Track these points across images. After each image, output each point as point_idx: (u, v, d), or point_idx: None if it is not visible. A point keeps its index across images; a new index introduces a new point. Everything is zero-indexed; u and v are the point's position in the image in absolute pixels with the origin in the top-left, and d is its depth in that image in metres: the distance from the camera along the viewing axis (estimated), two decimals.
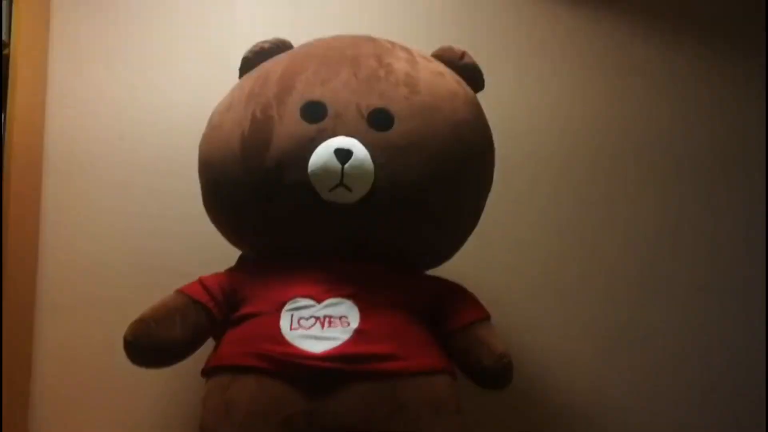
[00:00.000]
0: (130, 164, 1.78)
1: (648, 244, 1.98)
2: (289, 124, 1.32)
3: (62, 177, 1.75)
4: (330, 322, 1.25)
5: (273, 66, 1.42)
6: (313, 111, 1.33)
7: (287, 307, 1.27)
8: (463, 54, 1.50)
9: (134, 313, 1.29)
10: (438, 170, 1.34)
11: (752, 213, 2.04)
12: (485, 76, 1.52)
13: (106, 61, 1.80)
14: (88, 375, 1.71)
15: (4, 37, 1.55)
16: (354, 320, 1.26)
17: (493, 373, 1.31)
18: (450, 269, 1.51)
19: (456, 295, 1.43)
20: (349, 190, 1.29)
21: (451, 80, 1.43)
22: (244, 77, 1.47)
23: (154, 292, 1.38)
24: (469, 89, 1.46)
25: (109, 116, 1.79)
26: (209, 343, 1.37)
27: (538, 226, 1.93)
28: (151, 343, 1.27)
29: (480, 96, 1.50)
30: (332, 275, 1.31)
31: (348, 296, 1.28)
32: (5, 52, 1.55)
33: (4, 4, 1.55)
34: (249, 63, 1.49)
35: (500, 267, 1.89)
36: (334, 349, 1.21)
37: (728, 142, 2.06)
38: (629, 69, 2.03)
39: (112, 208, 1.76)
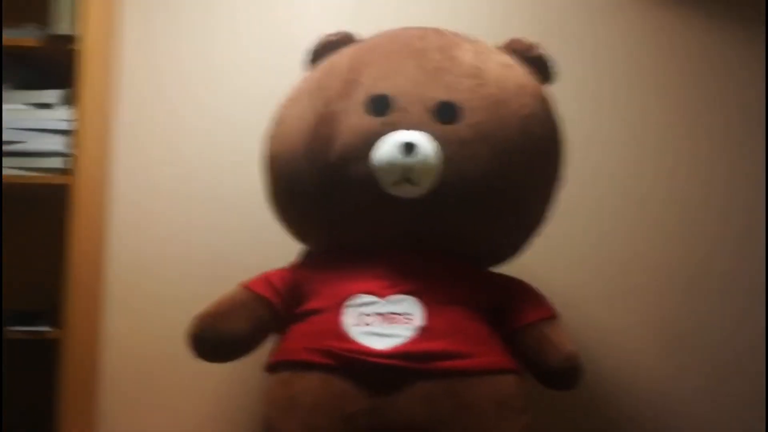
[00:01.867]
0: (197, 158, 1.79)
1: (727, 247, 1.91)
2: (354, 117, 1.31)
3: (130, 172, 1.77)
4: (393, 319, 1.23)
5: (338, 59, 1.41)
6: (378, 104, 1.31)
7: (350, 303, 1.26)
8: (533, 46, 1.47)
9: (198, 308, 1.30)
10: (505, 164, 1.32)
11: None
12: (557, 69, 1.49)
13: (175, 54, 1.81)
14: (153, 369, 1.73)
15: (73, 32, 1.56)
16: (417, 317, 1.24)
17: (559, 374, 1.29)
18: (517, 268, 1.48)
19: (522, 292, 1.40)
20: (414, 184, 1.27)
21: (519, 73, 1.40)
22: (310, 70, 1.46)
23: (219, 287, 1.38)
24: (537, 82, 1.43)
25: (177, 109, 1.80)
26: (271, 339, 1.37)
27: (610, 226, 1.88)
28: (215, 338, 1.28)
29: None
30: (395, 271, 1.30)
31: (411, 292, 1.27)
32: (74, 46, 1.57)
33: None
34: (315, 56, 1.48)
35: (570, 267, 1.85)
36: (398, 346, 1.20)
37: None
38: (707, 69, 1.96)
39: (178, 203, 1.78)
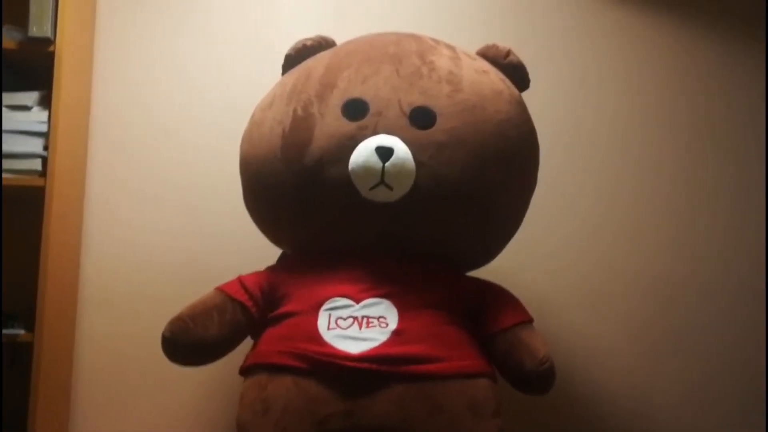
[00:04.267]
0: (173, 160, 1.79)
1: (697, 250, 1.93)
2: (331, 121, 1.31)
3: (106, 173, 1.77)
4: (368, 323, 1.23)
5: (315, 63, 1.41)
6: (355, 109, 1.32)
7: (325, 306, 1.26)
8: (509, 52, 1.48)
9: (174, 310, 1.30)
10: (480, 169, 1.32)
11: None
12: (531, 76, 1.50)
13: (151, 57, 1.82)
14: (127, 371, 1.72)
15: (50, 35, 1.56)
16: (392, 321, 1.24)
17: (534, 378, 1.28)
18: (492, 272, 1.49)
19: (498, 296, 1.40)
20: (390, 188, 1.27)
21: (495, 79, 1.41)
22: (287, 74, 1.47)
23: (194, 290, 1.38)
24: (513, 88, 1.44)
25: (153, 112, 1.80)
26: (247, 342, 1.37)
27: (586, 232, 1.89)
28: (188, 341, 1.28)
29: (525, 95, 1.48)
30: (371, 274, 1.30)
31: (386, 296, 1.27)
32: (51, 48, 1.56)
33: (51, 1, 1.56)
34: (292, 60, 1.48)
35: (545, 271, 1.87)
36: (372, 350, 1.20)
37: None
38: (684, 73, 1.98)
39: (154, 205, 1.78)
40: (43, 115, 1.58)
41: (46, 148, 1.56)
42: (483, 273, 1.47)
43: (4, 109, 1.58)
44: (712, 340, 1.91)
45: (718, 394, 1.89)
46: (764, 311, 1.93)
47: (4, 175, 1.55)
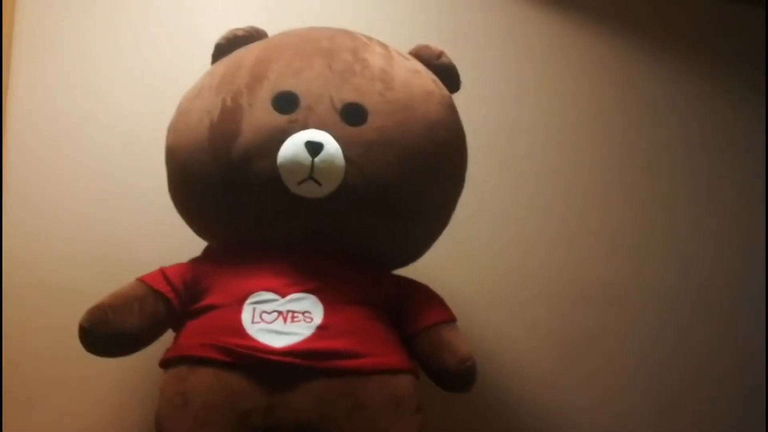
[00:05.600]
0: (94, 150, 1.74)
1: (616, 252, 1.99)
2: (260, 114, 1.30)
3: (25, 161, 1.71)
4: (293, 318, 1.23)
5: (246, 54, 1.40)
6: (285, 101, 1.30)
7: (250, 300, 1.25)
8: (441, 54, 1.49)
9: (93, 301, 1.26)
10: (409, 169, 1.33)
11: (742, 217, 2.10)
12: (463, 77, 1.52)
13: (73, 41, 1.77)
14: (42, 364, 1.67)
15: None
16: (317, 316, 1.24)
17: (457, 376, 1.29)
18: (417, 271, 1.50)
19: (421, 295, 1.41)
20: (319, 184, 1.27)
21: (427, 79, 1.42)
22: (216, 64, 1.44)
23: (115, 281, 1.34)
24: (444, 89, 1.45)
25: (74, 100, 1.75)
26: (169, 335, 1.34)
27: (507, 231, 1.93)
28: (107, 331, 1.24)
29: (457, 97, 1.49)
30: (297, 269, 1.29)
31: (312, 291, 1.26)
32: None
33: None
34: (222, 50, 1.46)
35: (467, 271, 1.89)
36: (296, 344, 1.19)
37: (725, 147, 2.11)
38: (617, 76, 2.05)
39: (74, 195, 1.72)
40: None
41: None
42: (407, 272, 1.47)
43: None
44: (627, 346, 1.97)
45: (630, 397, 1.95)
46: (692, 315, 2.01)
47: None
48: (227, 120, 1.30)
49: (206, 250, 1.47)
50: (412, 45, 1.50)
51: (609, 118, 2.04)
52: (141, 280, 1.33)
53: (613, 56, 2.06)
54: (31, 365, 1.66)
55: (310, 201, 1.28)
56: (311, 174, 1.26)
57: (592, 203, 1.99)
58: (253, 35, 1.47)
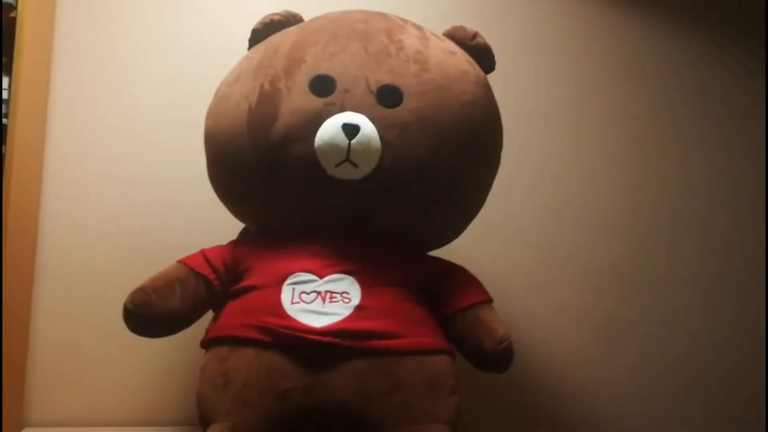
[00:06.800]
0: (133, 134, 1.77)
1: (642, 237, 2.00)
2: (297, 97, 1.31)
3: (65, 144, 1.74)
4: (331, 298, 1.24)
5: (283, 38, 1.41)
6: (322, 85, 1.31)
7: (289, 281, 1.26)
8: (475, 34, 1.48)
9: (134, 283, 1.29)
10: (445, 150, 1.33)
11: (750, 207, 2.08)
12: (497, 57, 1.51)
13: (114, 26, 1.79)
14: (85, 345, 1.71)
15: (12, 0, 1.53)
16: (355, 296, 1.25)
17: (493, 356, 1.30)
18: (452, 252, 1.51)
19: (458, 276, 1.42)
20: (355, 166, 1.28)
21: (462, 60, 1.42)
22: (253, 48, 1.46)
23: (156, 263, 1.37)
24: (479, 70, 1.45)
25: (115, 82, 1.78)
26: (209, 315, 1.37)
27: (545, 215, 1.94)
28: (150, 312, 1.27)
29: (491, 77, 1.49)
30: (334, 251, 1.31)
31: (349, 272, 1.28)
32: (12, 14, 1.54)
33: None
34: (258, 35, 1.47)
35: (501, 254, 1.90)
36: (334, 324, 1.21)
37: (729, 140, 2.08)
38: (642, 66, 2.03)
39: (114, 179, 1.75)
40: (4, 81, 1.55)
41: (6, 115, 1.53)
42: (442, 253, 1.48)
43: None
44: (654, 326, 1.98)
45: (660, 377, 1.97)
46: (710, 299, 2.00)
47: None
48: (265, 104, 1.32)
49: (244, 232, 1.49)
50: (446, 26, 1.50)
51: (647, 102, 2.02)
52: (182, 263, 1.35)
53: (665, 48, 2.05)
54: (68, 346, 1.70)
55: (347, 183, 1.29)
56: (348, 156, 1.27)
57: (626, 185, 1.99)
58: (289, 20, 1.48)
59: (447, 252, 1.49)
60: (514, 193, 1.90)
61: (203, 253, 1.36)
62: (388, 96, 1.32)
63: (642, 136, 2.01)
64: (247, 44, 1.49)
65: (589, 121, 1.98)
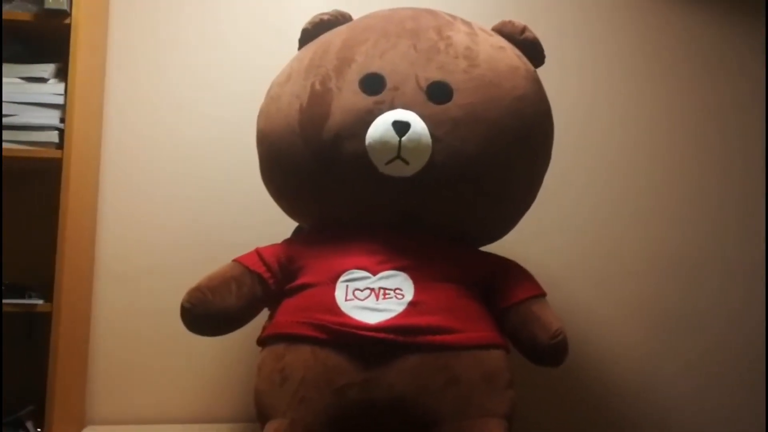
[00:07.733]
0: (189, 133, 1.80)
1: (705, 230, 1.96)
2: (348, 96, 1.32)
3: (121, 145, 1.78)
4: (385, 294, 1.25)
5: (332, 38, 1.42)
6: (372, 83, 1.32)
7: (342, 278, 1.27)
8: (524, 28, 1.48)
9: (189, 283, 1.31)
10: (496, 145, 1.33)
11: None
12: (547, 52, 1.50)
13: (166, 29, 1.82)
14: (144, 341, 1.74)
15: (66, 7, 1.56)
16: (408, 293, 1.26)
17: (548, 350, 1.30)
18: (504, 247, 1.50)
19: (511, 271, 1.42)
20: (407, 163, 1.28)
21: (511, 54, 1.41)
22: (303, 48, 1.47)
23: (211, 262, 1.40)
24: (529, 64, 1.44)
25: (168, 84, 1.81)
26: (264, 313, 1.39)
27: (598, 209, 1.92)
28: (206, 311, 1.29)
29: (541, 71, 1.48)
30: (387, 247, 1.31)
31: (402, 268, 1.28)
32: (67, 21, 1.57)
33: None
34: (308, 34, 1.48)
35: (559, 249, 1.89)
36: (389, 320, 1.22)
37: None
38: (705, 58, 2.00)
39: (170, 177, 1.79)
40: (60, 87, 1.58)
41: (62, 120, 1.57)
42: (495, 248, 1.48)
43: (20, 81, 1.59)
44: (715, 319, 1.95)
45: (721, 371, 1.94)
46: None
47: (20, 147, 1.56)
48: (317, 103, 1.33)
49: (296, 231, 1.50)
50: (495, 21, 1.49)
51: (711, 93, 1.99)
52: (237, 261, 1.37)
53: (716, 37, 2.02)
54: (128, 342, 1.74)
55: (398, 180, 1.30)
56: (399, 153, 1.28)
57: (680, 179, 1.96)
58: (338, 19, 1.49)
59: (505, 248, 1.50)
60: (571, 188, 1.89)
61: (258, 252, 1.38)
62: (438, 93, 1.32)
63: (704, 126, 1.98)
64: (297, 44, 1.50)
65: (647, 112, 1.96)
